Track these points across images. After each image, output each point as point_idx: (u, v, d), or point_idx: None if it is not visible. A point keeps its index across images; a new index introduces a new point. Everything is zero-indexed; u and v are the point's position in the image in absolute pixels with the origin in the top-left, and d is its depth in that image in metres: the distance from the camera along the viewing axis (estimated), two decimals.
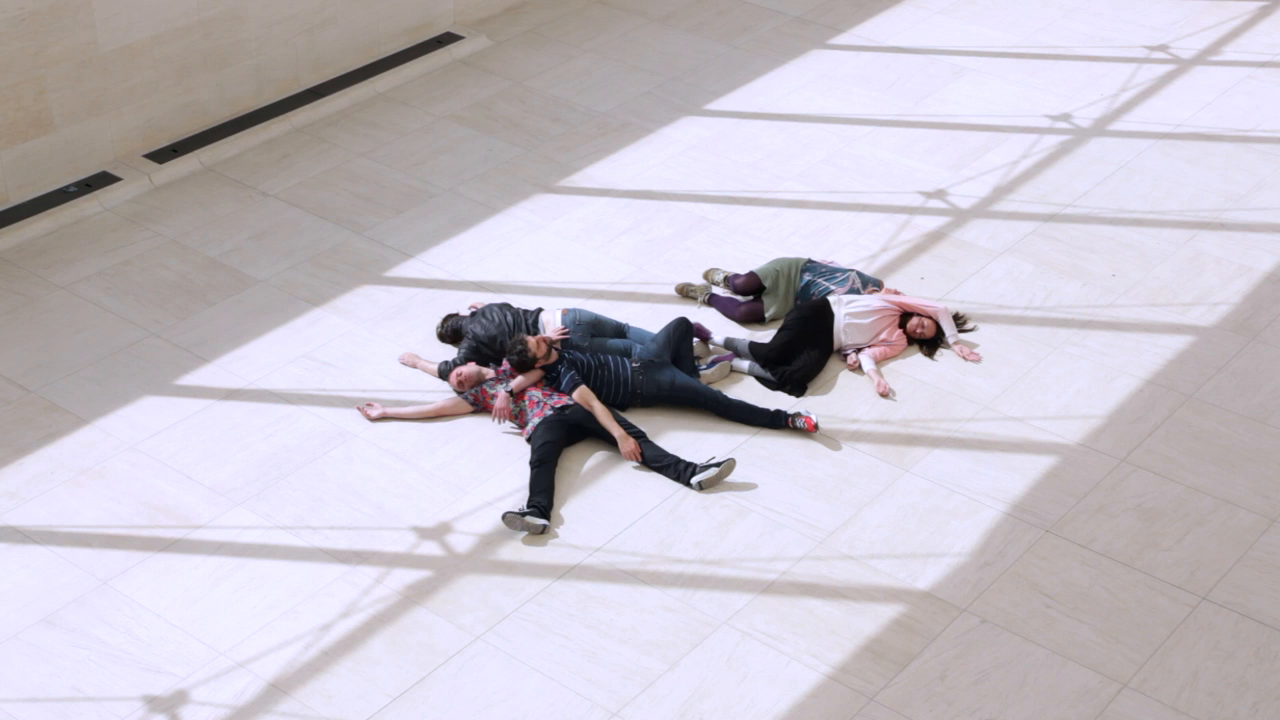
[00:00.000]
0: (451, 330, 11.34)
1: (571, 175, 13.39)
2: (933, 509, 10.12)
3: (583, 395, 10.45)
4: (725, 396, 10.73)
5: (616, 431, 10.36)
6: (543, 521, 9.79)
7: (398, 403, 10.81)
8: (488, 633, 9.21)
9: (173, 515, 9.96)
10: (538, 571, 9.62)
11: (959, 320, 11.53)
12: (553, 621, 9.28)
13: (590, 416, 10.42)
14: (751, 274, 11.75)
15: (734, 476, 10.31)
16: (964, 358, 11.29)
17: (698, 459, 10.41)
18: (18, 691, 8.79)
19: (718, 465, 10.14)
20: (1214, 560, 9.77)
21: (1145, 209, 13.07)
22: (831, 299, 11.35)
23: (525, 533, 9.82)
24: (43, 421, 10.69)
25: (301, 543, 9.79)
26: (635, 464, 10.34)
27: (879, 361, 11.22)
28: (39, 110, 12.61)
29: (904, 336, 11.37)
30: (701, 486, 10.15)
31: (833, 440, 10.66)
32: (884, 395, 10.99)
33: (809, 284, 11.62)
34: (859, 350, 11.28)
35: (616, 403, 10.72)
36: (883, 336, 11.28)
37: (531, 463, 10.16)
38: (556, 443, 10.28)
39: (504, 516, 9.78)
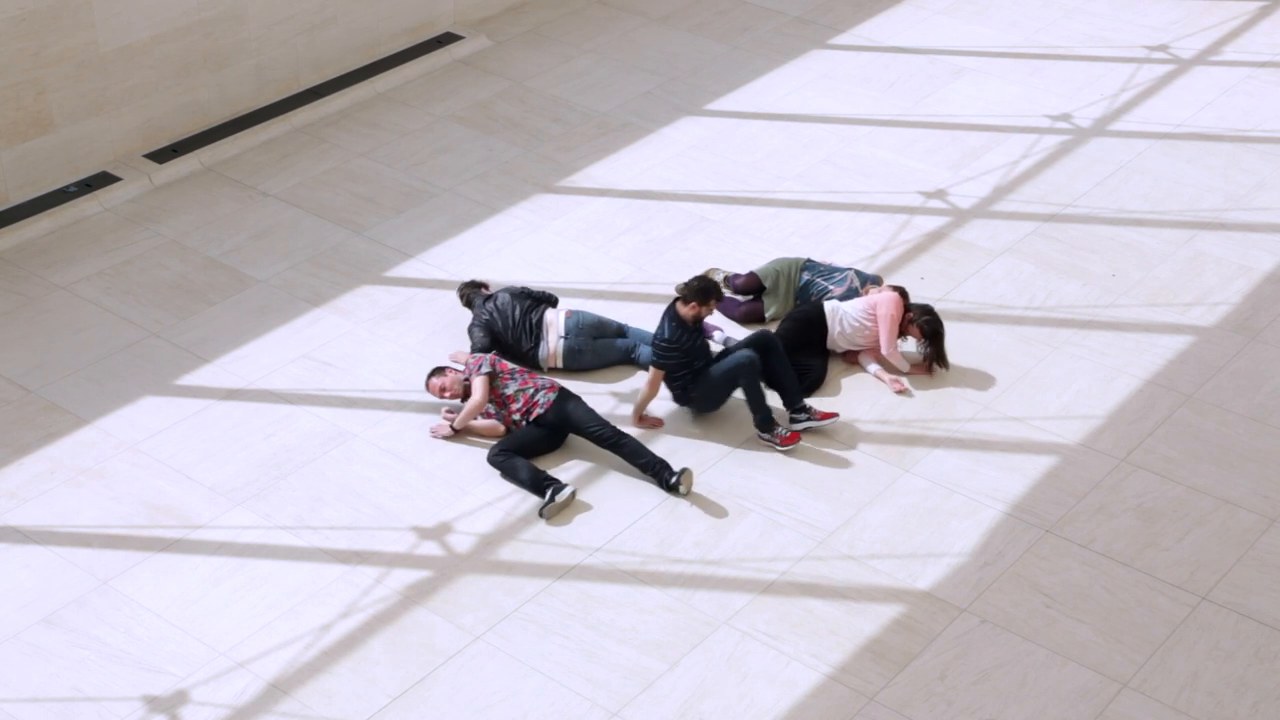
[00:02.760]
0: (468, 298, 11.36)
1: (571, 175, 13.39)
2: (933, 509, 10.12)
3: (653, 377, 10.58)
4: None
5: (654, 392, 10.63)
6: (568, 489, 9.96)
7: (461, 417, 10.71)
8: (488, 633, 9.21)
9: (173, 515, 9.96)
10: (538, 571, 9.62)
11: (933, 333, 11.25)
12: (553, 621, 9.28)
13: (567, 420, 10.38)
14: (751, 274, 11.74)
15: (734, 476, 10.31)
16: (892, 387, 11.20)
17: (689, 462, 10.41)
18: (18, 691, 8.79)
19: (679, 477, 10.12)
20: (1214, 560, 9.77)
21: (1145, 209, 13.07)
22: (827, 309, 11.22)
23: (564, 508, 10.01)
24: (43, 421, 10.69)
25: (301, 543, 9.79)
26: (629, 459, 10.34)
27: (881, 363, 11.21)
28: (39, 110, 12.61)
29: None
30: (685, 493, 10.17)
31: (833, 440, 10.65)
32: (901, 393, 10.98)
33: (808, 283, 11.60)
34: (858, 351, 11.27)
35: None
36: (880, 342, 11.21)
37: (496, 462, 10.24)
38: (526, 440, 10.37)
39: (541, 513, 9.89)
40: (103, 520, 9.91)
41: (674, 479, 10.10)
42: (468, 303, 11.42)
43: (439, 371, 10.73)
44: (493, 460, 10.25)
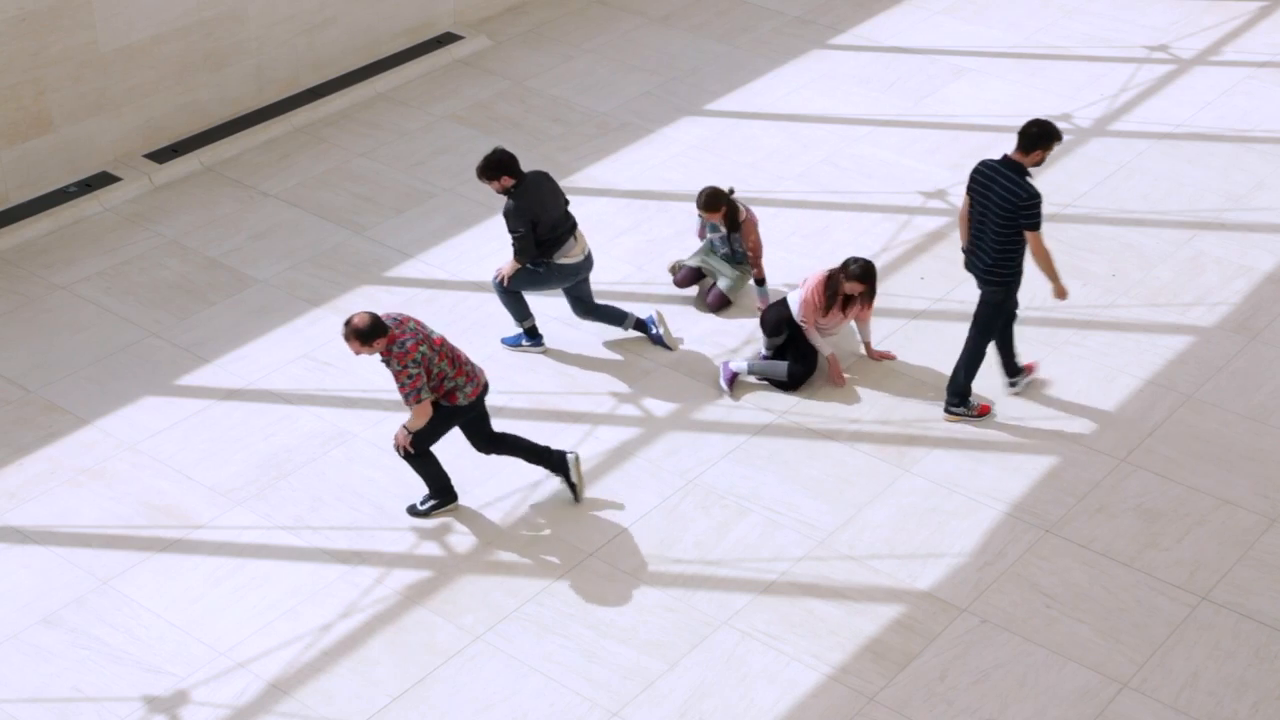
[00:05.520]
0: (512, 166, 10.66)
1: (571, 175, 13.39)
2: (933, 509, 10.12)
3: None
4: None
5: None
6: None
7: None
8: (488, 633, 9.21)
9: (173, 515, 9.97)
10: (538, 571, 9.62)
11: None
12: (553, 621, 9.28)
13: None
14: (687, 269, 11.81)
15: (734, 476, 10.31)
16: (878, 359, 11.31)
17: (690, 461, 10.41)
18: (18, 691, 8.79)
19: (571, 471, 9.99)
20: (1214, 560, 9.77)
21: (1145, 209, 13.08)
22: (792, 308, 11.04)
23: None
24: (43, 421, 10.69)
25: (301, 543, 9.79)
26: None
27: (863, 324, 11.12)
28: (39, 110, 12.62)
29: (841, 313, 11.08)
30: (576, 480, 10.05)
31: (833, 440, 10.66)
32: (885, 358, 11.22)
33: (721, 254, 11.70)
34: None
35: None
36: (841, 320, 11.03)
37: (521, 447, 9.97)
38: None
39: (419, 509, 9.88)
40: (103, 520, 9.92)
41: (567, 471, 9.89)
42: (511, 173, 10.65)
43: (362, 336, 9.16)
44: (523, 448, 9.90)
